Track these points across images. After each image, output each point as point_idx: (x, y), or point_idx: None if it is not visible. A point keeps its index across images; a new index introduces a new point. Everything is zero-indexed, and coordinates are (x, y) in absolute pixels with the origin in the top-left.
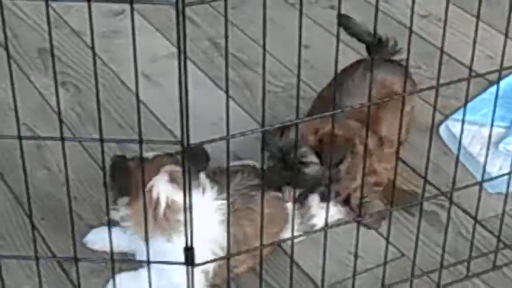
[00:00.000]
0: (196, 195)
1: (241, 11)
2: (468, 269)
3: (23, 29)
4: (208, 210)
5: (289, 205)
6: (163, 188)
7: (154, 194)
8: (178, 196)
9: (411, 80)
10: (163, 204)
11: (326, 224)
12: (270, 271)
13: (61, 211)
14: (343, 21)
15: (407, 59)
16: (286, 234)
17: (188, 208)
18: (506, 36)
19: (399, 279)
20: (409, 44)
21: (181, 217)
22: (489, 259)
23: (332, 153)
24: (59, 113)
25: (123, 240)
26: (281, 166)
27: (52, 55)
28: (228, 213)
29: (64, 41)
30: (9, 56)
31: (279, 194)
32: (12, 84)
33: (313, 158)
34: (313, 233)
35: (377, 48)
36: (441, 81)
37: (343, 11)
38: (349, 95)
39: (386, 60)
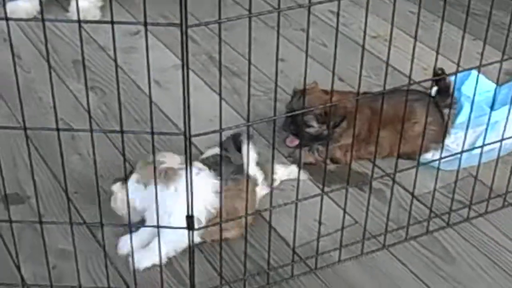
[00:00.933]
0: (198, 174)
1: (232, 32)
2: (407, 233)
3: (61, 45)
4: (206, 184)
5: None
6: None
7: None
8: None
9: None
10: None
11: (297, 197)
12: (254, 235)
13: (90, 186)
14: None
15: (360, 70)
16: (259, 196)
17: (189, 182)
18: (437, 53)
19: (354, 240)
20: (362, 58)
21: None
22: (423, 226)
23: (332, 119)
24: (88, 111)
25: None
26: (290, 121)
27: (84, 66)
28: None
29: (93, 54)
30: (50, 66)
31: (255, 179)
32: (52, 88)
33: (314, 123)
34: (287, 205)
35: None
36: (387, 87)
37: (311, 35)
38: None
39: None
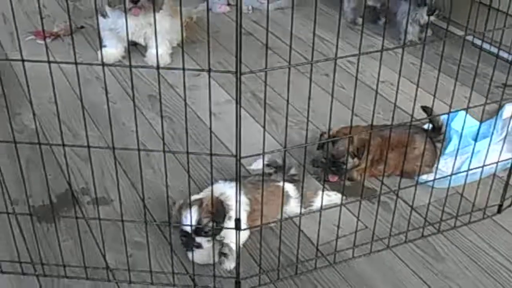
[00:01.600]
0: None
1: (272, 75)
2: (406, 237)
3: (140, 83)
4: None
5: (290, 189)
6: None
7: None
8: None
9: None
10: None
11: (321, 207)
12: (286, 235)
13: (160, 193)
14: (424, 109)
15: (373, 110)
16: (288, 209)
17: (238, 194)
18: (434, 96)
19: (364, 242)
20: (375, 99)
21: None
22: (419, 232)
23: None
24: (163, 135)
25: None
26: (331, 164)
27: (160, 101)
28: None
29: (164, 91)
30: (134, 100)
31: (279, 184)
32: (135, 117)
33: (350, 160)
34: (313, 212)
35: (434, 130)
36: (393, 122)
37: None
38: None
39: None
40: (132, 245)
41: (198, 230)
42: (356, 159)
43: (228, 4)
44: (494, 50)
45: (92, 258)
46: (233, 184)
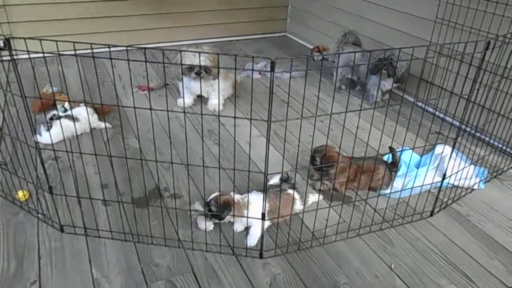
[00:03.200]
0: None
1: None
2: (370, 229)
3: (202, 121)
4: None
5: (296, 195)
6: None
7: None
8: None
9: (389, 173)
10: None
11: (317, 207)
12: (293, 224)
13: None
14: (390, 148)
15: (354, 146)
16: (297, 208)
17: (265, 199)
18: (392, 139)
19: (342, 231)
20: (355, 140)
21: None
22: (379, 226)
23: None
24: (219, 156)
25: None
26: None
27: (219, 135)
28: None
29: (218, 127)
30: (202, 133)
31: (290, 192)
32: (202, 145)
33: (318, 161)
34: (312, 211)
35: (392, 163)
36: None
37: (325, 124)
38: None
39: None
40: (194, 225)
41: (209, 203)
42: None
43: (259, 73)
44: (430, 109)
45: (169, 233)
46: (260, 193)
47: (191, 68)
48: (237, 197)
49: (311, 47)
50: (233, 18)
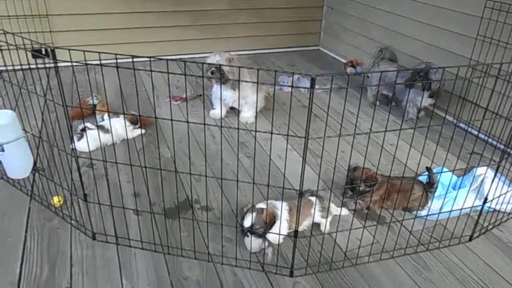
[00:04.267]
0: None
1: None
2: (405, 251)
3: (234, 133)
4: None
5: (316, 202)
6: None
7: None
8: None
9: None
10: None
11: (351, 227)
12: (326, 244)
13: (245, 207)
14: (428, 168)
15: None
16: (315, 218)
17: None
18: (432, 161)
19: (376, 252)
20: (393, 161)
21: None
22: (414, 249)
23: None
24: (253, 172)
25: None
26: (349, 183)
27: (255, 149)
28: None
29: (249, 139)
30: (238, 146)
31: (310, 199)
32: (237, 159)
33: (362, 185)
34: (346, 230)
35: (429, 183)
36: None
37: (360, 142)
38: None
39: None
40: (225, 239)
41: (251, 230)
42: (363, 185)
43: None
44: (472, 131)
45: (199, 245)
46: (285, 203)
47: (209, 67)
48: (262, 205)
49: (344, 61)
50: (267, 31)
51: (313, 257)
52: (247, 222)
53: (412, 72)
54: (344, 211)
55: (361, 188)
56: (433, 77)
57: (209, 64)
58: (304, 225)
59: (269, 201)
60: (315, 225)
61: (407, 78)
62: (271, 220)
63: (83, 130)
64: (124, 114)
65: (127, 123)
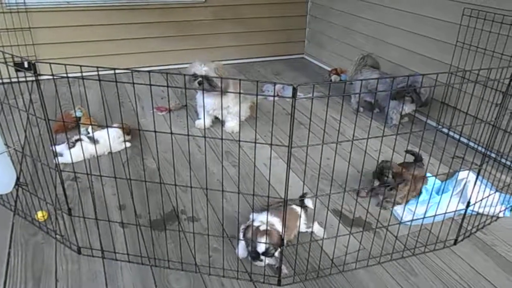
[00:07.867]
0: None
1: (310, 149)
2: (391, 257)
3: (219, 142)
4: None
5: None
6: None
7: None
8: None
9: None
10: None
11: (337, 234)
12: (312, 251)
13: (231, 217)
14: (408, 151)
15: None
16: (301, 226)
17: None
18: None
19: (363, 258)
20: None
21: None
22: (400, 254)
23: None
24: (238, 181)
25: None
26: (378, 173)
27: (239, 157)
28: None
29: (235, 148)
30: (222, 155)
31: (294, 208)
32: (222, 167)
33: (390, 177)
34: (332, 237)
35: (417, 159)
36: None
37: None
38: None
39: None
40: (212, 249)
41: (265, 253)
42: (391, 178)
43: (277, 94)
44: (453, 134)
45: (185, 256)
46: (273, 215)
47: (195, 77)
48: (259, 222)
49: (329, 69)
50: (252, 40)
51: (301, 265)
52: (261, 248)
53: (399, 91)
54: (319, 228)
55: (389, 179)
56: (422, 91)
57: (194, 75)
58: (295, 233)
59: (258, 215)
60: (301, 234)
61: (394, 94)
62: (280, 237)
63: (78, 141)
64: (107, 126)
65: (121, 133)
